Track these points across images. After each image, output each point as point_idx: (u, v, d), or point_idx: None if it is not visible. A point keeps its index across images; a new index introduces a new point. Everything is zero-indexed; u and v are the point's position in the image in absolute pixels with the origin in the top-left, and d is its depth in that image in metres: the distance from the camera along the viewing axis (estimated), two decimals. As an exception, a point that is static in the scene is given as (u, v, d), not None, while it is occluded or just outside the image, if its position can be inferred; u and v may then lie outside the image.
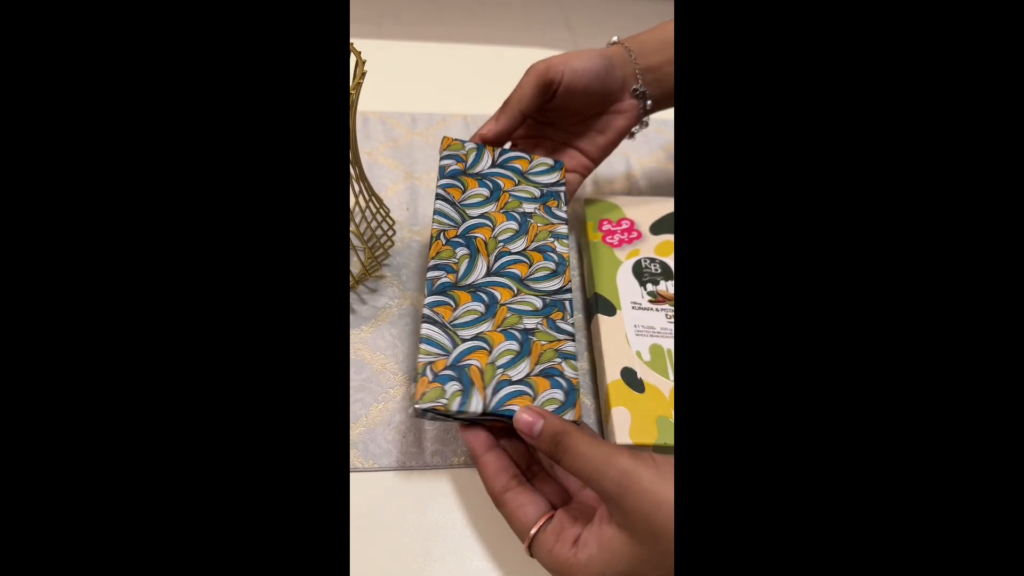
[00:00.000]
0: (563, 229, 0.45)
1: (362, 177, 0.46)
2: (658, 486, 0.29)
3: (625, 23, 2.28)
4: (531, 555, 0.33)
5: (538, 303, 0.41)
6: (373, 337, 0.48)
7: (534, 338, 0.39)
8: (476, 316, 0.39)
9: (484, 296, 0.40)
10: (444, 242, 0.42)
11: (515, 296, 0.41)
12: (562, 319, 0.41)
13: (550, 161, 0.49)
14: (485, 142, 0.48)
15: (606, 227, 0.54)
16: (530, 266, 0.43)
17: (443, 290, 0.40)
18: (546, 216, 0.46)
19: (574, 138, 0.52)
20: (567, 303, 0.42)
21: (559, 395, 0.37)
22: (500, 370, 0.37)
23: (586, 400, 0.46)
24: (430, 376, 0.36)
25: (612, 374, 0.43)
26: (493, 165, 0.48)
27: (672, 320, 0.47)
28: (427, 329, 0.38)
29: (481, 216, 0.44)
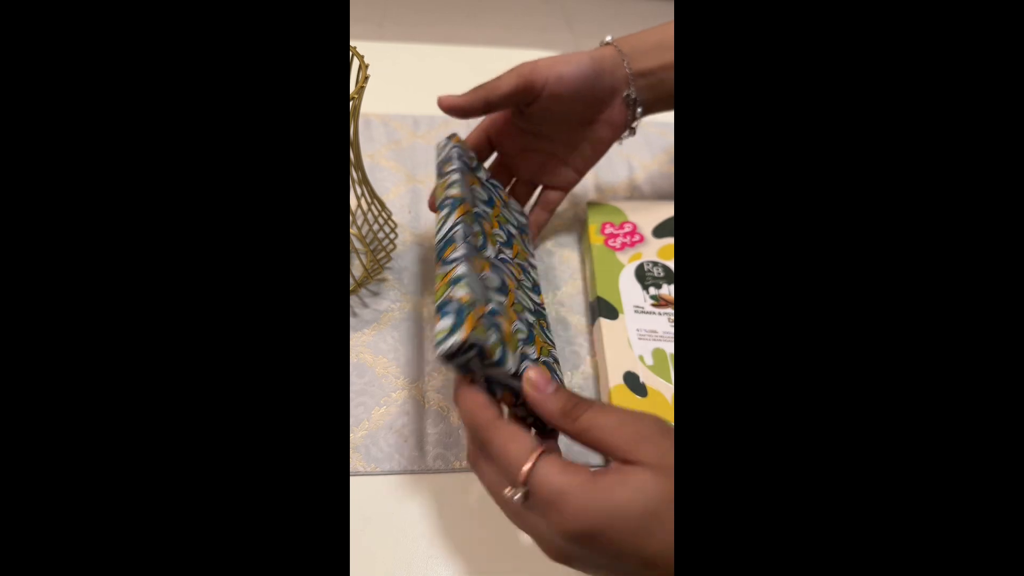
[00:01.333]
0: (534, 262, 0.48)
1: (364, 180, 0.46)
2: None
3: (626, 24, 2.27)
4: (524, 489, 0.29)
5: (530, 304, 0.41)
6: (375, 340, 0.48)
7: (535, 331, 0.39)
8: (496, 286, 0.38)
9: (498, 273, 0.39)
10: (472, 207, 0.41)
11: (516, 287, 0.40)
12: (547, 327, 0.42)
13: (518, 205, 0.53)
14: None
15: (608, 230, 0.54)
16: (522, 272, 0.44)
17: (473, 247, 0.38)
18: (523, 246, 0.47)
19: (561, 149, 0.51)
20: (546, 318, 0.43)
21: None
22: (520, 343, 0.35)
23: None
24: (476, 314, 0.33)
25: (615, 378, 0.43)
26: (488, 179, 0.49)
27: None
28: (465, 268, 0.35)
29: (483, 211, 0.44)
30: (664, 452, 0.27)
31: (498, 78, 0.47)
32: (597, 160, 0.52)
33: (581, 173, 0.52)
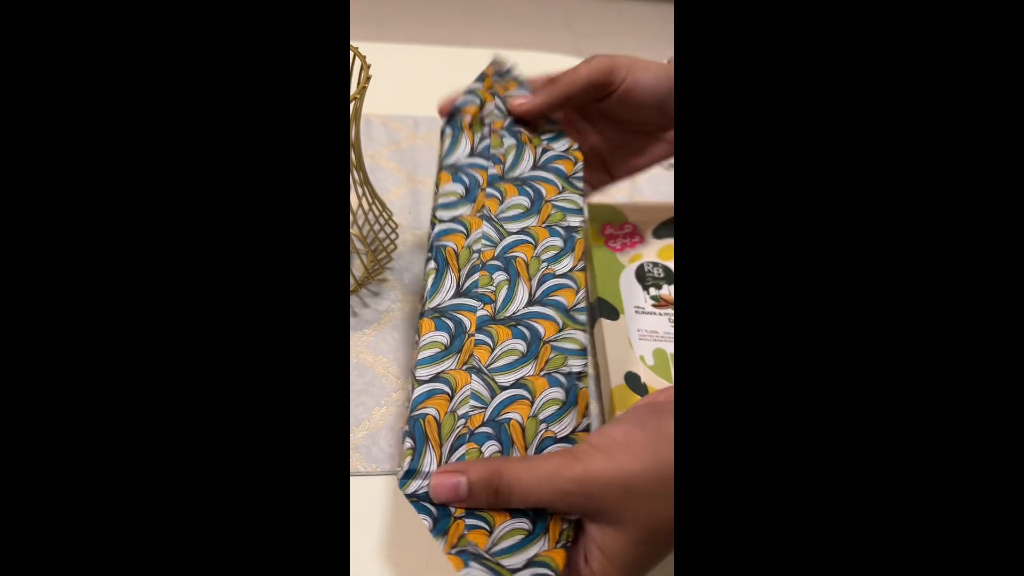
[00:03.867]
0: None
1: (366, 181, 0.46)
2: (611, 470, 0.28)
3: (627, 26, 2.28)
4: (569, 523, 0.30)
5: (584, 339, 0.35)
6: (375, 341, 0.48)
7: (581, 384, 0.33)
8: (518, 357, 0.34)
9: (526, 331, 0.34)
10: (481, 266, 0.37)
11: (560, 331, 0.35)
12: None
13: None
14: (516, 116, 0.43)
15: (609, 231, 0.54)
16: (576, 291, 0.36)
17: (481, 325, 0.35)
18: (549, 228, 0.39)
19: (606, 148, 0.48)
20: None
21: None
22: (544, 425, 0.32)
23: (591, 405, 0.46)
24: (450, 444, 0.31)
25: (616, 378, 0.43)
26: (535, 167, 0.41)
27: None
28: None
29: (521, 231, 0.38)
30: (601, 509, 0.28)
31: (572, 71, 0.43)
32: (638, 172, 0.49)
33: (615, 179, 0.49)
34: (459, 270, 0.36)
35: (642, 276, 0.50)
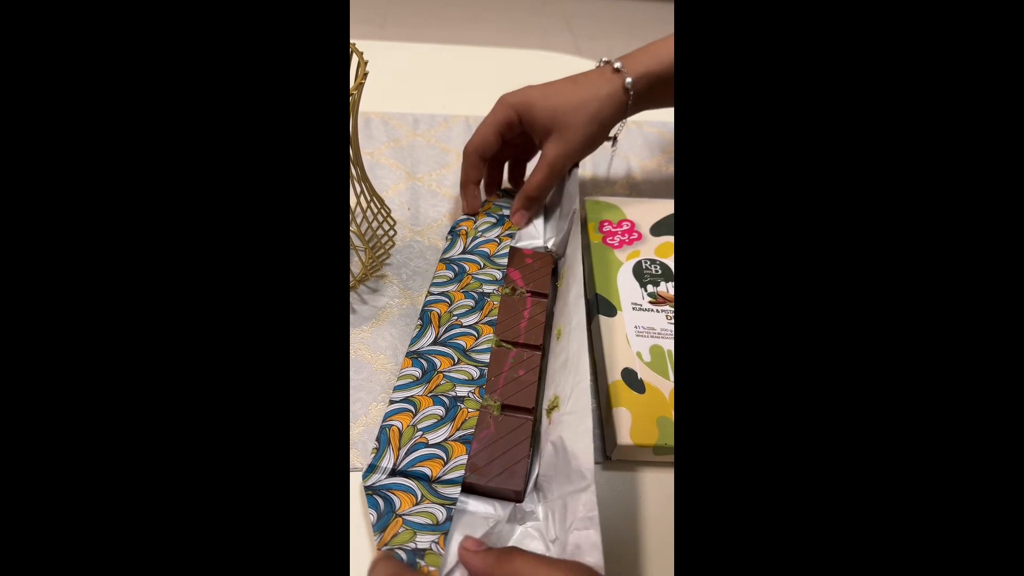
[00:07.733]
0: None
1: (364, 178, 0.46)
2: None
3: (626, 26, 2.28)
4: None
5: (475, 372, 0.43)
6: (373, 337, 0.48)
7: (462, 405, 0.41)
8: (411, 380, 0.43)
9: (424, 362, 0.44)
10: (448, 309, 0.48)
11: (453, 364, 0.44)
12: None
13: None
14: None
15: (607, 228, 0.54)
16: (477, 338, 0.46)
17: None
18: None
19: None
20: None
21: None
22: (420, 432, 0.39)
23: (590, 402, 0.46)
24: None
25: (613, 375, 0.44)
26: (464, 251, 0.52)
27: (672, 321, 0.47)
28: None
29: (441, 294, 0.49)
30: None
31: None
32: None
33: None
34: (439, 328, 0.46)
35: (640, 273, 0.50)
